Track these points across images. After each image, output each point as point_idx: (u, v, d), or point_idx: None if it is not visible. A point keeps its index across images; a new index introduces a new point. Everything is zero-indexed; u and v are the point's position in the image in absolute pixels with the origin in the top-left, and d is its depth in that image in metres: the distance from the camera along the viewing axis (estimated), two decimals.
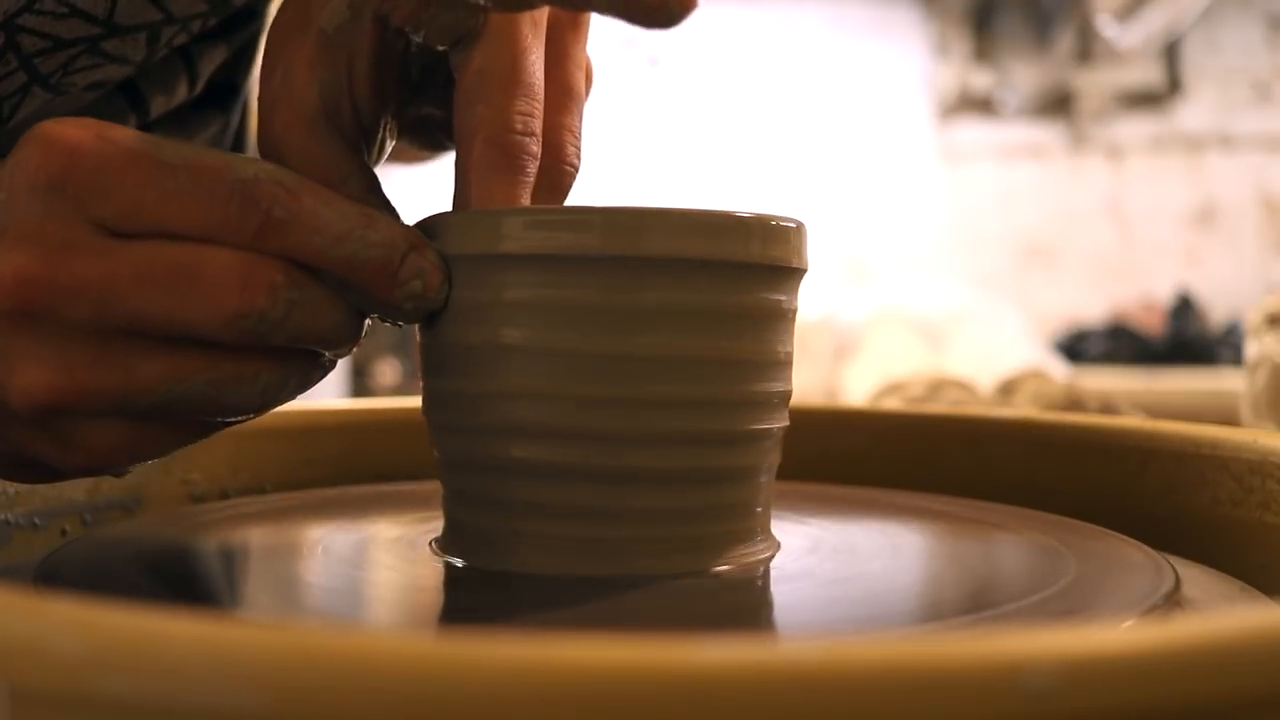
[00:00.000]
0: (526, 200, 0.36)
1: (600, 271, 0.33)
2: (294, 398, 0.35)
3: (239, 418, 0.34)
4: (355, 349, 0.35)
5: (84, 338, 0.31)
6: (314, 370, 0.35)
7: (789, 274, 0.36)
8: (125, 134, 0.32)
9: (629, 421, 0.33)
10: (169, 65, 0.49)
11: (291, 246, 0.32)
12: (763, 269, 0.35)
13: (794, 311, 0.37)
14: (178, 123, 0.51)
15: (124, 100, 0.47)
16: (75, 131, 0.32)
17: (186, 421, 0.34)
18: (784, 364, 0.36)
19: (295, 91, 0.35)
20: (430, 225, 0.35)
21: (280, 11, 0.37)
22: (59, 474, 0.35)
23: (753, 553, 0.36)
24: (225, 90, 0.53)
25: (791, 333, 0.37)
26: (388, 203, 0.36)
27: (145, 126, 0.49)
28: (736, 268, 0.34)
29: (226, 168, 0.32)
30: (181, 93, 0.50)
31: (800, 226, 0.36)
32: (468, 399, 0.35)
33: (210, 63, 0.50)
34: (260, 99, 0.36)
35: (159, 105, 0.49)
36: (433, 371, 0.36)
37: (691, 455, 0.34)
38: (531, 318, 0.33)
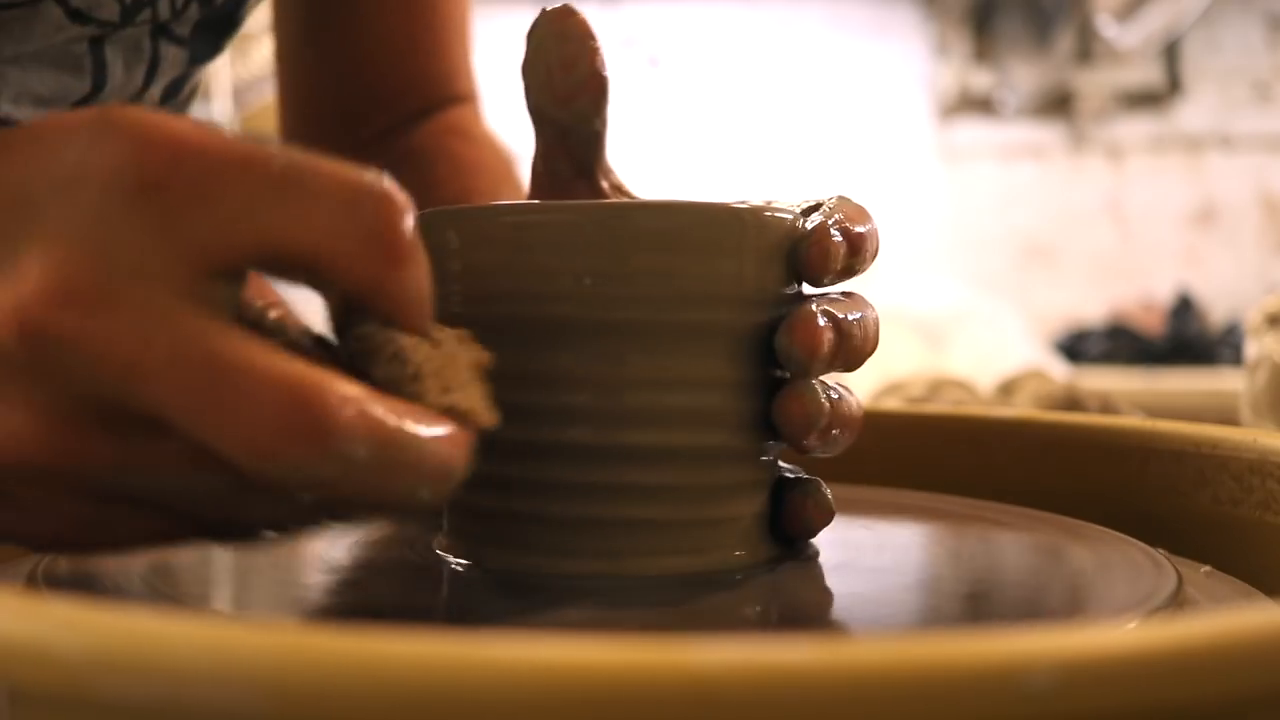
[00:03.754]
0: None
1: (590, 230, 0.33)
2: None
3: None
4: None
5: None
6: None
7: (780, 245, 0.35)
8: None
9: (626, 398, 0.33)
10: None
11: None
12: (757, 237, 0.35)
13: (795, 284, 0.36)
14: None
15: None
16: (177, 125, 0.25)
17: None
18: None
19: None
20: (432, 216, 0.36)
21: None
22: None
23: (753, 551, 0.36)
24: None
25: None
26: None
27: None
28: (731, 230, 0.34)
29: None
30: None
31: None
32: None
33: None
34: None
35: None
36: None
37: (690, 434, 0.34)
38: (520, 284, 0.34)
